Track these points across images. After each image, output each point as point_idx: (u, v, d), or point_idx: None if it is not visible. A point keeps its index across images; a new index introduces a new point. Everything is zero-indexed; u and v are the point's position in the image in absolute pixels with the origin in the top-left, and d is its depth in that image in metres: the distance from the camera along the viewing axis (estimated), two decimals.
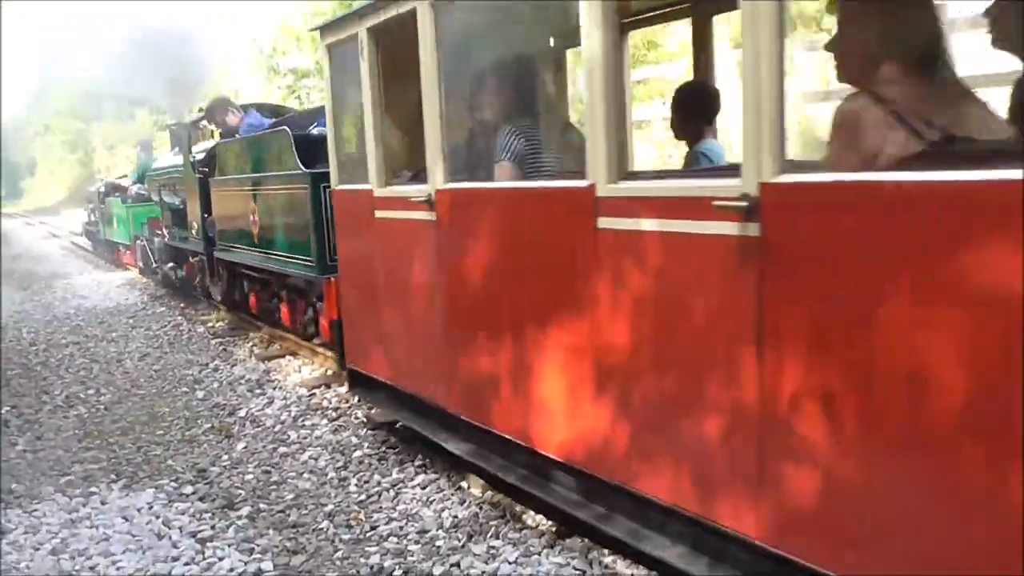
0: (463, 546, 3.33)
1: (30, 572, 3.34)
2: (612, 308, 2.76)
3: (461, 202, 3.56)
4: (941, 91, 2.28)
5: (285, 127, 6.29)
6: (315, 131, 6.21)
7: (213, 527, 3.67)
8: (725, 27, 4.86)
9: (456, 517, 3.57)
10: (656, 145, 8.78)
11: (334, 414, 5.23)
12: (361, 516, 3.70)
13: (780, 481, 2.27)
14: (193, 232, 8.80)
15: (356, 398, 5.19)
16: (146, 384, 6.32)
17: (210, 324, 8.53)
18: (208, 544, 3.51)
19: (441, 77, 3.55)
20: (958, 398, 1.83)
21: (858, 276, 2.01)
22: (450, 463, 4.03)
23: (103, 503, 3.99)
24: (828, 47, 2.50)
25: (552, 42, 2.95)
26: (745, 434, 2.34)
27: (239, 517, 3.79)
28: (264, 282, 7.25)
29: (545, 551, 3.20)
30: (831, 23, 9.65)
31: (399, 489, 3.95)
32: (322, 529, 3.62)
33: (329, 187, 5.00)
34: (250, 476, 4.30)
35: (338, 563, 3.30)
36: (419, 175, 3.87)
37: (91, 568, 3.36)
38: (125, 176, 15.08)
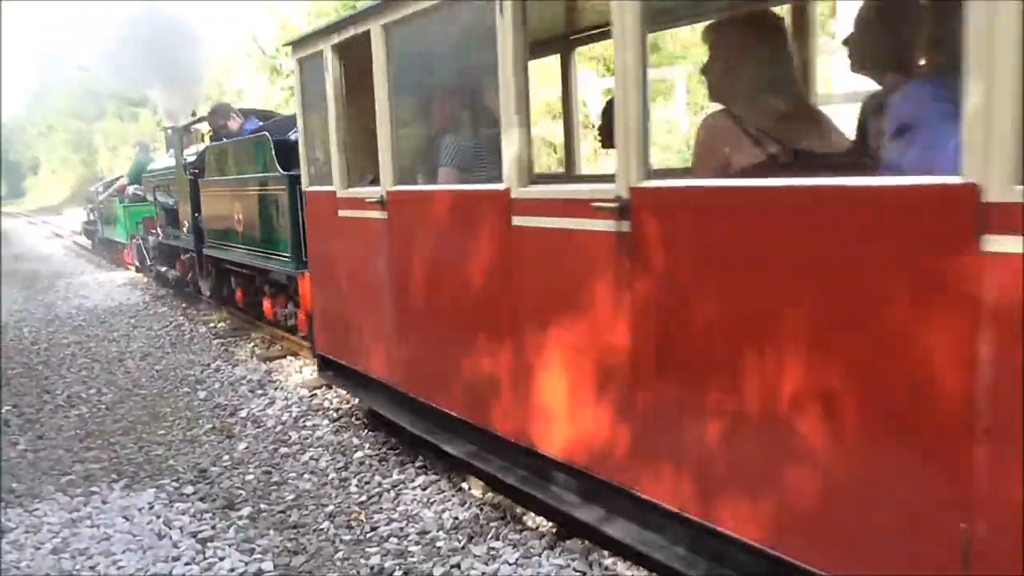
0: (463, 547, 3.33)
1: (31, 571, 3.34)
2: (524, 294, 3.20)
3: (407, 202, 4.01)
4: (790, 111, 2.68)
5: (266, 132, 6.69)
6: (293, 136, 6.36)
7: (214, 527, 3.68)
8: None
9: (457, 518, 3.58)
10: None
11: (335, 415, 5.23)
12: (362, 517, 3.70)
13: (655, 436, 2.67)
14: (184, 231, 9.24)
15: (353, 397, 5.19)
16: (147, 384, 6.33)
17: (212, 324, 8.54)
18: (209, 544, 3.51)
19: (392, 91, 3.99)
20: (778, 361, 2.21)
21: (704, 263, 2.43)
22: (451, 464, 4.03)
23: (104, 503, 3.99)
24: (701, 71, 2.96)
25: (493, 59, 3.43)
26: (625, 396, 2.76)
27: (240, 517, 3.79)
28: (250, 278, 7.65)
29: (545, 552, 3.20)
30: (834, 27, 9.65)
31: (400, 490, 3.95)
32: (323, 530, 3.62)
33: None
34: (251, 476, 4.31)
35: (339, 564, 3.31)
36: (376, 178, 4.25)
37: (92, 568, 3.36)
38: (121, 177, 15.33)
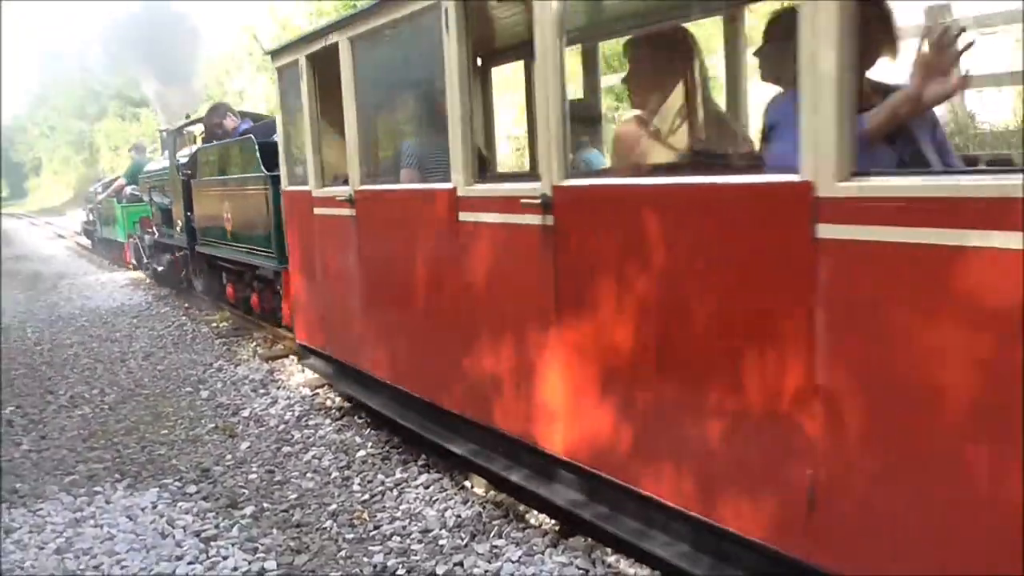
0: (466, 545, 3.33)
1: (35, 571, 3.35)
2: (469, 283, 3.53)
3: (372, 200, 4.37)
4: (696, 117, 2.97)
5: (251, 135, 7.05)
6: (277, 138, 6.66)
7: (217, 526, 3.68)
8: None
9: (459, 516, 3.58)
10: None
11: (338, 414, 5.24)
12: (364, 515, 3.71)
13: (579, 410, 2.99)
14: (178, 230, 9.63)
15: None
16: (150, 384, 6.33)
17: (214, 324, 8.55)
18: (212, 543, 3.51)
19: (358, 98, 4.34)
20: (668, 334, 2.58)
21: (611, 250, 2.74)
22: (453, 463, 4.03)
23: (107, 502, 4.00)
24: (623, 80, 3.29)
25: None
26: (546, 367, 3.12)
27: (243, 516, 3.79)
28: (239, 273, 8.03)
29: (548, 550, 3.20)
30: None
31: (402, 488, 3.95)
32: (325, 528, 3.62)
33: None
34: (254, 475, 4.31)
35: (341, 562, 3.31)
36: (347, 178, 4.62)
37: (95, 567, 3.37)
38: (118, 177, 15.62)
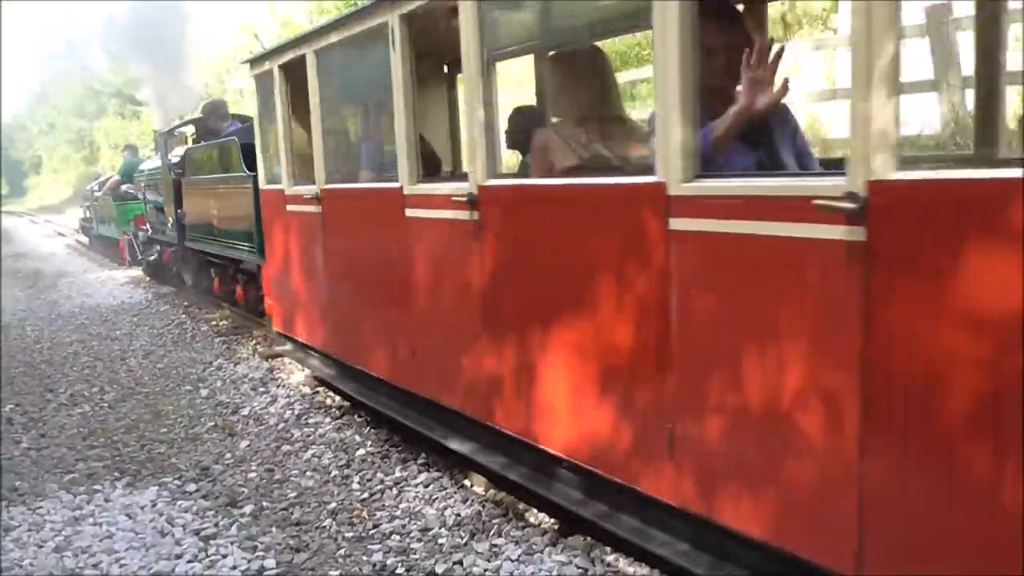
0: (465, 544, 3.33)
1: (33, 569, 3.35)
2: (414, 273, 3.97)
3: (334, 198, 4.80)
4: (602, 126, 3.29)
5: (234, 136, 7.50)
6: None
7: (216, 525, 3.68)
8: None
9: (459, 515, 3.57)
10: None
11: (337, 412, 5.23)
12: (364, 514, 3.71)
13: (509, 382, 3.35)
14: (169, 226, 10.16)
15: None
16: (150, 382, 6.33)
17: (214, 322, 8.54)
18: (211, 542, 3.51)
19: (323, 104, 4.79)
20: (563, 315, 2.99)
21: (524, 243, 3.18)
22: (452, 461, 4.03)
23: (107, 501, 4.00)
24: (539, 94, 3.73)
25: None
26: (469, 343, 3.57)
27: (242, 515, 3.79)
28: (225, 267, 8.45)
29: (547, 549, 3.19)
30: (837, 22, 9.65)
31: (402, 487, 3.95)
32: (325, 527, 3.62)
33: None
34: (253, 474, 4.31)
35: (341, 561, 3.31)
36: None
37: (94, 566, 3.36)
38: (113, 175, 16.06)
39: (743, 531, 2.37)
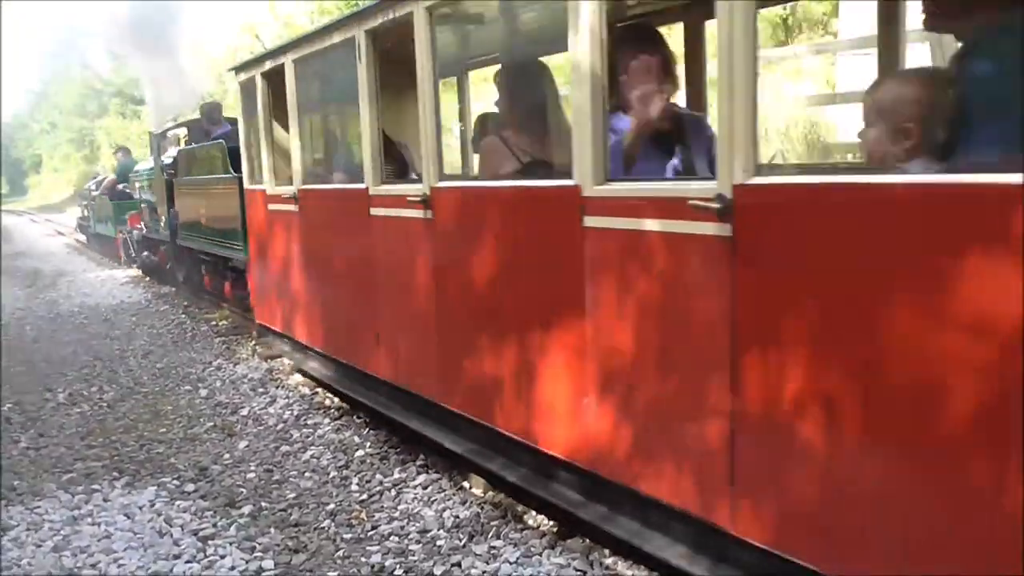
0: (464, 546, 3.33)
1: (32, 569, 3.35)
2: (379, 267, 4.34)
3: (310, 197, 5.21)
4: (544, 134, 3.61)
5: (221, 139, 7.98)
6: None
7: (215, 525, 3.68)
8: None
9: (457, 517, 3.57)
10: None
11: (336, 413, 5.23)
12: (362, 515, 3.70)
13: (452, 363, 3.77)
14: (162, 225, 10.62)
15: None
16: (149, 382, 6.33)
17: (213, 322, 8.55)
18: (210, 542, 3.51)
19: (300, 110, 5.21)
20: (504, 308, 3.36)
21: (471, 239, 3.49)
22: (451, 463, 4.03)
23: (105, 500, 4.00)
24: (496, 103, 3.90)
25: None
26: (427, 328, 3.90)
27: (241, 515, 3.79)
28: (214, 264, 8.74)
29: (546, 551, 3.19)
30: (838, 26, 9.66)
31: (401, 488, 3.95)
32: (323, 528, 3.62)
33: None
34: (252, 474, 4.31)
35: (339, 562, 3.31)
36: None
37: (93, 565, 3.36)
38: (109, 175, 16.46)
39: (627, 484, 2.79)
